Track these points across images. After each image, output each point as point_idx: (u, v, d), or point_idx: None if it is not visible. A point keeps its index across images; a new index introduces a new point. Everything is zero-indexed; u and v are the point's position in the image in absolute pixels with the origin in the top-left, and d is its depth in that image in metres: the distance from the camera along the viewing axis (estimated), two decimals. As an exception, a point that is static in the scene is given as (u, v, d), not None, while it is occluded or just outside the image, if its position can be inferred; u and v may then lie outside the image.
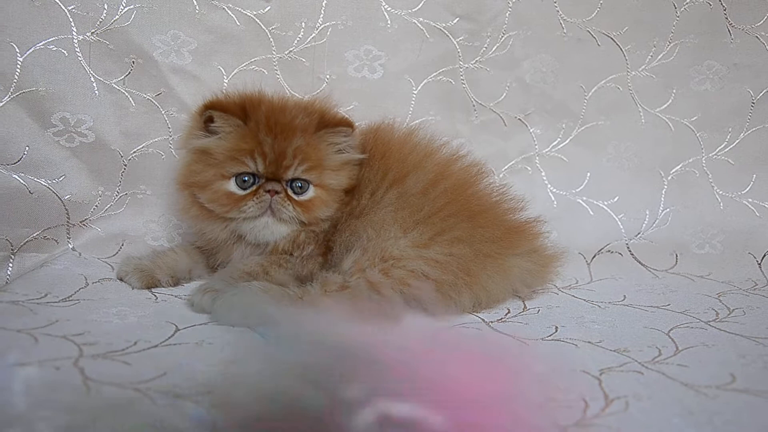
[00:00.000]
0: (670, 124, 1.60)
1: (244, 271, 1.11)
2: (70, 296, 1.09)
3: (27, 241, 1.33)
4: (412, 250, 1.08)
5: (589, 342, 0.99)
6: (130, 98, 1.39)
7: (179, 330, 0.95)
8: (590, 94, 1.58)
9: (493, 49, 1.54)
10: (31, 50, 1.31)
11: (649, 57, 1.57)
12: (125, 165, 1.40)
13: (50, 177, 1.35)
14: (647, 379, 0.85)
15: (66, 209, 1.36)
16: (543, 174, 1.60)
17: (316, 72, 1.48)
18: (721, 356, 0.95)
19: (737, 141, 1.60)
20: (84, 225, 1.39)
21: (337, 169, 1.17)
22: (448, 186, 1.15)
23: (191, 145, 1.15)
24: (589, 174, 1.60)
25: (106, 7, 1.34)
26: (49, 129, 1.34)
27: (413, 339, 0.69)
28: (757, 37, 1.56)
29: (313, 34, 1.46)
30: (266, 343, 0.84)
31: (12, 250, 1.32)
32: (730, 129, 1.60)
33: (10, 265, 1.31)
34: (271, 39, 1.44)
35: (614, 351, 0.95)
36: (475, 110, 1.56)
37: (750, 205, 1.59)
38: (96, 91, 1.36)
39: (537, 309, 1.18)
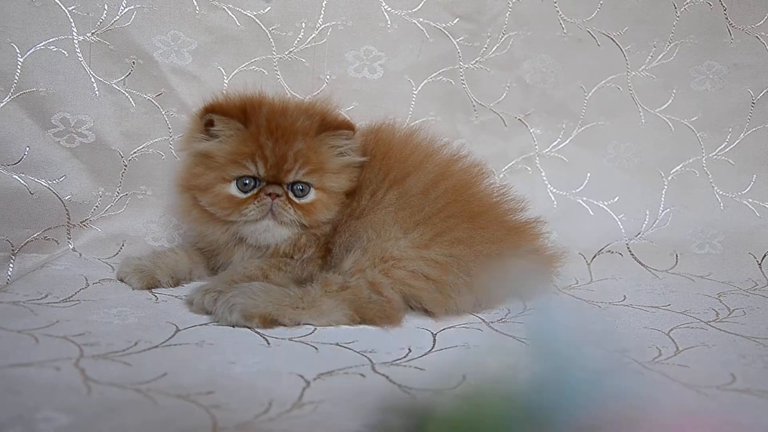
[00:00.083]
0: (671, 125, 1.60)
1: (243, 274, 1.11)
2: (71, 297, 1.09)
3: (27, 242, 1.33)
4: (413, 251, 1.08)
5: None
6: (131, 99, 1.39)
7: (180, 330, 0.95)
8: (590, 94, 1.58)
9: (493, 49, 1.54)
10: (31, 51, 1.31)
11: (649, 57, 1.57)
12: (125, 165, 1.40)
13: (51, 177, 1.35)
14: (647, 380, 0.84)
15: (66, 210, 1.36)
16: (543, 174, 1.60)
17: (316, 72, 1.48)
18: (722, 356, 0.95)
19: (737, 141, 1.60)
20: (84, 225, 1.39)
21: (338, 171, 1.17)
22: (448, 187, 1.15)
23: (192, 148, 1.15)
24: (589, 174, 1.60)
25: (106, 7, 1.34)
26: (50, 129, 1.34)
27: None
28: (757, 37, 1.56)
29: (313, 35, 1.46)
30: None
31: (12, 250, 1.32)
32: (730, 129, 1.60)
33: (11, 265, 1.31)
34: (271, 39, 1.44)
35: (614, 351, 0.95)
36: (475, 110, 1.56)
37: (750, 206, 1.59)
38: (96, 92, 1.36)
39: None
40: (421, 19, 1.50)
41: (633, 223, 1.59)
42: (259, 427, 0.67)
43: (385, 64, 1.50)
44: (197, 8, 1.39)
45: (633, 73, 1.58)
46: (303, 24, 1.45)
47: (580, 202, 1.60)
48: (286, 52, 1.46)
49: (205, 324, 0.99)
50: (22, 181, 1.32)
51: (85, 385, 0.74)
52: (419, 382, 0.80)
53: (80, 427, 0.65)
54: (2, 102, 1.31)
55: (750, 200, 1.59)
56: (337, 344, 0.93)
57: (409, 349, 0.93)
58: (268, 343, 0.93)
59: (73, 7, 1.33)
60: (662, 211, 1.60)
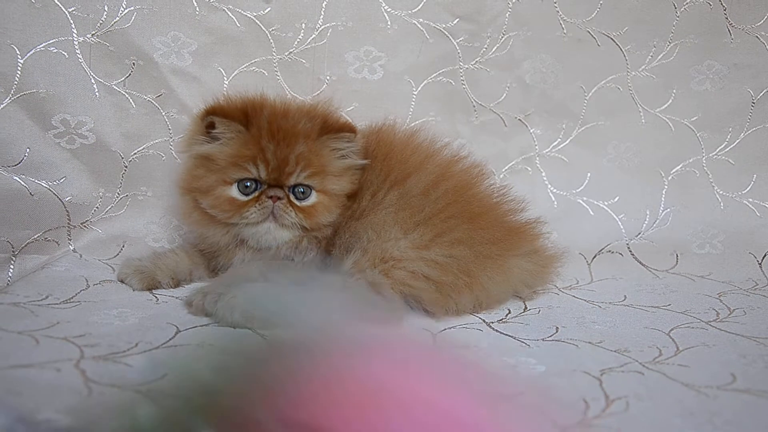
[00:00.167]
0: (671, 125, 1.60)
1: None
2: (71, 298, 1.09)
3: (28, 243, 1.33)
4: (413, 252, 1.08)
5: (589, 342, 0.99)
6: (131, 100, 1.39)
7: (180, 331, 0.95)
8: (590, 94, 1.58)
9: (493, 49, 1.54)
10: (31, 52, 1.32)
11: (649, 57, 1.57)
12: (126, 166, 1.41)
13: (51, 179, 1.35)
14: (648, 380, 0.85)
15: (67, 211, 1.36)
16: (543, 174, 1.60)
17: (316, 73, 1.48)
18: (722, 356, 0.95)
19: (737, 141, 1.60)
20: (85, 226, 1.39)
21: (340, 174, 1.16)
22: (449, 187, 1.15)
23: (193, 150, 1.15)
24: (589, 174, 1.60)
25: (106, 8, 1.34)
26: (50, 131, 1.34)
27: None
28: (757, 36, 1.56)
29: (313, 35, 1.46)
30: None
31: (13, 251, 1.32)
32: (730, 129, 1.60)
33: (11, 266, 1.31)
34: (271, 40, 1.45)
35: (615, 351, 0.95)
36: (475, 111, 1.56)
37: (750, 205, 1.59)
38: (96, 93, 1.36)
39: (537, 309, 1.18)
40: (421, 20, 1.50)
41: (633, 223, 1.59)
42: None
43: (385, 64, 1.50)
44: (197, 9, 1.40)
45: (633, 73, 1.58)
46: (303, 25, 1.45)
47: (581, 202, 1.60)
48: (286, 53, 1.46)
49: (206, 325, 0.99)
50: (23, 183, 1.33)
51: (86, 387, 0.74)
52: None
53: (81, 428, 0.65)
54: (2, 103, 1.31)
55: (750, 200, 1.59)
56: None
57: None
58: (269, 344, 0.93)
59: (73, 9, 1.33)
60: (662, 211, 1.60)
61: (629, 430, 0.71)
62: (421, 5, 1.49)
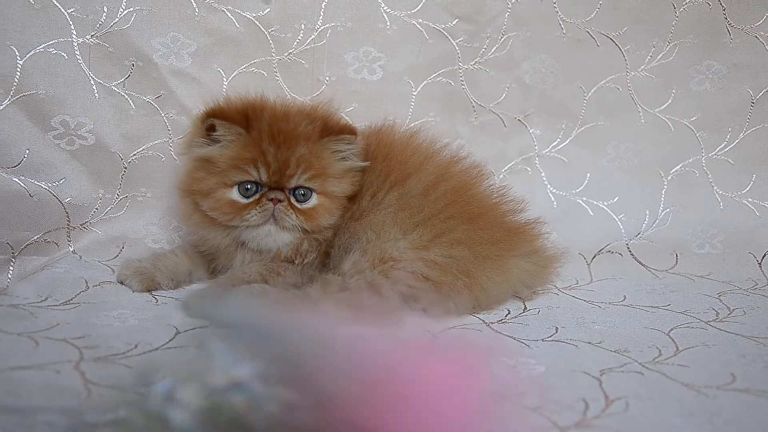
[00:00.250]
0: (670, 124, 1.60)
1: (242, 279, 1.11)
2: (71, 299, 1.09)
3: (27, 245, 1.33)
4: (412, 252, 1.08)
5: (589, 342, 0.99)
6: (130, 101, 1.39)
7: (180, 333, 0.95)
8: (590, 94, 1.58)
9: (493, 50, 1.54)
10: (30, 53, 1.32)
11: (649, 57, 1.57)
12: (125, 168, 1.41)
13: (50, 180, 1.35)
14: (647, 380, 0.85)
15: (66, 212, 1.36)
16: (543, 175, 1.60)
17: (315, 74, 1.48)
18: (722, 356, 0.95)
19: (737, 141, 1.59)
20: (84, 228, 1.39)
21: (340, 176, 1.16)
22: (448, 188, 1.15)
23: (193, 153, 1.14)
24: (588, 174, 1.60)
25: (105, 9, 1.34)
26: (49, 132, 1.34)
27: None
28: (756, 36, 1.56)
29: (313, 36, 1.46)
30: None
31: (12, 253, 1.32)
32: (729, 129, 1.59)
33: (11, 268, 1.31)
34: (271, 41, 1.45)
35: (614, 351, 0.95)
36: (474, 111, 1.56)
37: (750, 205, 1.59)
38: (96, 94, 1.36)
39: (537, 310, 1.18)
40: (420, 20, 1.50)
41: (633, 223, 1.59)
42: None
43: (385, 65, 1.50)
44: (196, 10, 1.40)
45: (632, 73, 1.58)
46: (302, 25, 1.45)
47: (580, 202, 1.60)
48: (286, 54, 1.46)
49: (206, 326, 0.99)
50: (22, 184, 1.33)
51: (86, 388, 0.74)
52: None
53: (80, 430, 0.65)
54: (2, 105, 1.31)
55: (750, 200, 1.59)
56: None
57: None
58: (268, 345, 0.92)
59: (72, 10, 1.33)
60: (662, 210, 1.60)
61: (629, 430, 0.71)
62: (420, 6, 1.49)
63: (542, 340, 1.01)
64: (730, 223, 1.58)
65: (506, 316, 1.14)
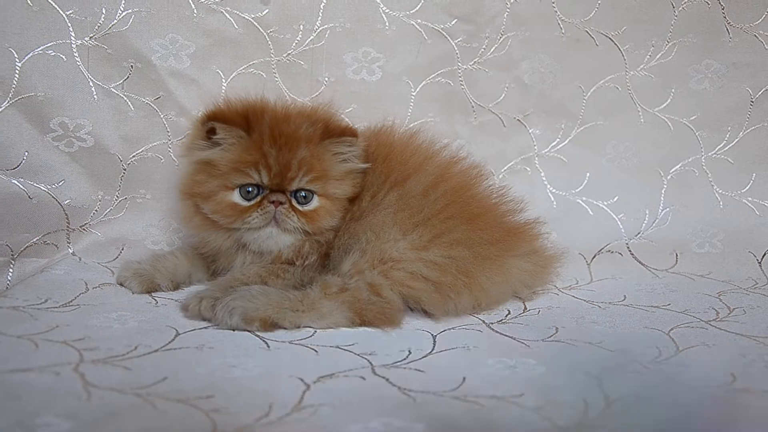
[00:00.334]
0: (670, 124, 1.59)
1: (241, 280, 1.11)
2: (71, 301, 1.09)
3: (27, 247, 1.33)
4: (411, 252, 1.08)
5: (589, 342, 0.99)
6: (129, 102, 1.39)
7: (180, 334, 0.95)
8: (589, 94, 1.58)
9: (492, 50, 1.54)
10: (29, 55, 1.32)
11: (648, 56, 1.57)
12: (125, 169, 1.41)
13: (50, 182, 1.35)
14: (647, 380, 0.84)
15: (66, 214, 1.36)
16: (542, 174, 1.60)
17: (314, 74, 1.48)
18: (722, 356, 0.95)
19: (736, 140, 1.59)
20: (84, 230, 1.39)
21: (341, 178, 1.16)
22: (448, 188, 1.15)
23: (194, 156, 1.14)
24: (588, 174, 1.60)
25: (104, 11, 1.34)
26: (48, 134, 1.34)
27: None
28: (755, 35, 1.56)
29: (311, 37, 1.46)
30: None
31: (12, 255, 1.32)
32: (729, 128, 1.59)
33: (11, 270, 1.31)
34: (269, 42, 1.44)
35: (615, 351, 0.95)
36: (474, 111, 1.56)
37: (750, 204, 1.59)
38: (95, 96, 1.36)
39: (537, 310, 1.18)
40: (419, 21, 1.50)
41: (632, 222, 1.59)
42: (259, 431, 0.67)
43: (384, 65, 1.50)
44: (195, 11, 1.40)
45: (631, 72, 1.58)
46: (301, 26, 1.45)
47: (580, 202, 1.60)
48: (285, 55, 1.46)
49: (205, 328, 0.99)
50: (21, 186, 1.33)
51: (85, 390, 0.74)
52: (420, 385, 0.80)
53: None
54: (1, 107, 1.31)
55: (749, 199, 1.59)
56: (337, 347, 0.93)
57: (409, 351, 0.93)
58: (268, 347, 0.93)
59: (70, 12, 1.33)
60: (662, 210, 1.60)
61: (629, 430, 0.71)
62: (419, 6, 1.49)
63: (542, 340, 1.01)
64: (730, 223, 1.58)
65: (506, 316, 1.14)
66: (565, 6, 1.53)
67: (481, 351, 0.95)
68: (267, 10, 1.43)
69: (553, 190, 1.60)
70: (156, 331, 0.95)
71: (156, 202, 1.43)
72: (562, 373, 0.88)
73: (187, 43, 1.40)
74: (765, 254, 1.55)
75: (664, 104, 1.59)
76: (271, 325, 0.99)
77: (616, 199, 1.59)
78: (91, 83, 1.36)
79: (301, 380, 0.79)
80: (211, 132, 1.12)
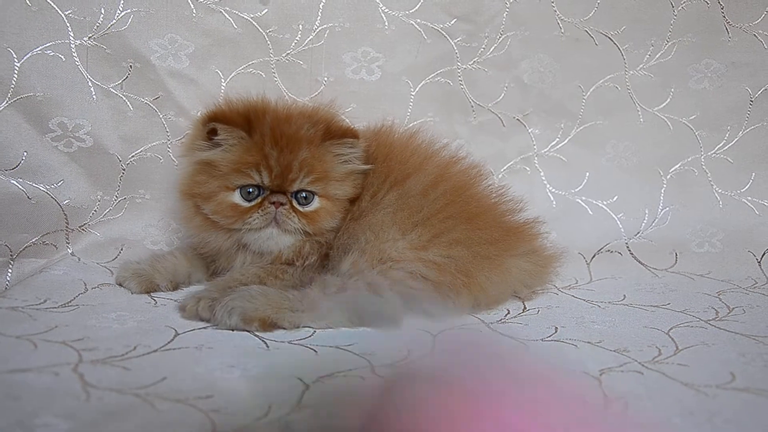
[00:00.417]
0: (669, 123, 1.59)
1: (239, 281, 1.11)
2: (70, 302, 1.09)
3: (26, 247, 1.33)
4: (411, 252, 1.08)
5: (588, 342, 0.99)
6: (128, 102, 1.39)
7: (179, 334, 0.95)
8: (588, 93, 1.58)
9: (491, 49, 1.54)
10: (28, 55, 1.31)
11: (647, 56, 1.57)
12: (124, 169, 1.40)
13: (49, 182, 1.35)
14: (647, 379, 0.84)
15: (65, 214, 1.36)
16: (542, 174, 1.60)
17: (313, 74, 1.48)
18: (721, 355, 0.94)
19: (736, 139, 1.59)
20: (83, 230, 1.39)
21: (342, 179, 1.16)
22: (447, 188, 1.15)
23: (194, 156, 1.14)
24: (588, 174, 1.60)
25: (103, 11, 1.34)
26: (47, 134, 1.34)
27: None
28: (754, 35, 1.56)
29: (311, 37, 1.46)
30: None
31: (11, 255, 1.32)
32: (728, 127, 1.59)
33: (9, 270, 1.31)
34: (269, 42, 1.44)
35: (614, 351, 0.95)
36: (473, 111, 1.56)
37: (749, 204, 1.59)
38: (94, 96, 1.36)
39: (537, 309, 1.18)
40: (418, 20, 1.50)
41: (632, 222, 1.59)
42: (258, 431, 0.67)
43: (383, 65, 1.50)
44: (194, 11, 1.39)
45: (631, 72, 1.58)
46: (300, 26, 1.45)
47: (579, 201, 1.60)
48: (284, 55, 1.46)
49: (204, 328, 0.99)
50: (20, 186, 1.32)
51: (84, 391, 0.73)
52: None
53: (79, 432, 0.65)
54: None
55: (749, 198, 1.59)
56: (336, 347, 0.93)
57: (409, 350, 0.93)
58: (267, 347, 0.93)
59: (69, 12, 1.33)
60: (661, 209, 1.60)
61: (629, 430, 0.71)
62: (418, 6, 1.49)
63: (542, 340, 1.01)
64: (730, 222, 1.58)
65: (506, 316, 1.14)
66: (564, 5, 1.53)
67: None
68: (266, 10, 1.43)
69: (553, 190, 1.60)
70: (155, 332, 0.95)
71: (155, 202, 1.43)
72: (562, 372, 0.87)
73: (186, 43, 1.40)
74: (764, 253, 1.55)
75: (664, 104, 1.59)
76: (270, 325, 0.99)
77: (615, 198, 1.59)
78: (90, 83, 1.36)
79: (301, 380, 0.79)
80: (212, 133, 1.12)
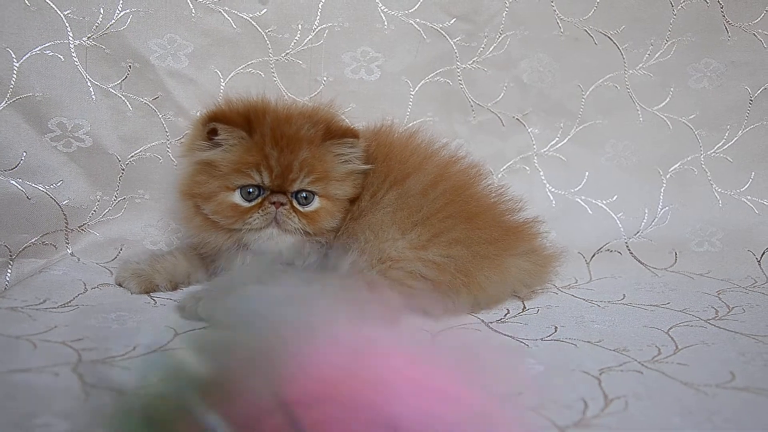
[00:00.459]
0: (669, 123, 1.59)
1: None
2: (69, 302, 1.09)
3: (25, 247, 1.33)
4: (410, 252, 1.08)
5: (588, 341, 0.99)
6: (127, 102, 1.39)
7: (178, 334, 0.95)
8: (588, 93, 1.58)
9: (491, 49, 1.54)
10: (27, 55, 1.31)
11: (647, 55, 1.57)
12: (123, 169, 1.40)
13: (48, 182, 1.35)
14: (647, 379, 0.84)
15: (64, 214, 1.36)
16: (541, 174, 1.60)
17: (313, 74, 1.48)
18: (721, 354, 0.94)
19: (735, 138, 1.59)
20: (82, 230, 1.38)
21: (343, 179, 1.16)
22: (446, 187, 1.15)
23: (194, 156, 1.14)
24: (587, 173, 1.60)
25: (102, 11, 1.34)
26: (47, 134, 1.34)
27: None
28: (754, 34, 1.56)
29: (310, 36, 1.46)
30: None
31: (10, 256, 1.32)
32: (728, 127, 1.59)
33: (9, 271, 1.31)
34: (268, 41, 1.44)
35: (614, 350, 0.95)
36: (472, 111, 1.56)
37: (749, 203, 1.59)
38: (93, 96, 1.36)
39: (536, 309, 1.18)
40: (417, 20, 1.50)
41: (632, 221, 1.58)
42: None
43: (382, 65, 1.50)
44: (193, 11, 1.39)
45: (630, 71, 1.58)
46: (299, 26, 1.45)
47: (579, 201, 1.59)
48: (283, 54, 1.46)
49: (204, 327, 0.99)
50: (20, 187, 1.32)
51: (84, 391, 0.73)
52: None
53: (78, 432, 0.65)
54: (-1, 107, 1.31)
55: (749, 197, 1.59)
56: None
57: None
58: (267, 346, 0.92)
59: (68, 12, 1.33)
60: (661, 209, 1.60)
61: (628, 429, 0.71)
62: (417, 5, 1.49)
63: (541, 339, 1.00)
64: (729, 221, 1.58)
65: (505, 315, 1.14)
66: (563, 5, 1.53)
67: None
68: (265, 10, 1.43)
69: (552, 189, 1.60)
70: (155, 332, 0.95)
71: (154, 202, 1.43)
72: (562, 372, 0.87)
73: (186, 42, 1.40)
74: (764, 253, 1.54)
75: (663, 103, 1.59)
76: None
77: (615, 198, 1.59)
78: (89, 83, 1.36)
79: (300, 380, 0.79)
80: (213, 133, 1.12)
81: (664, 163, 1.61)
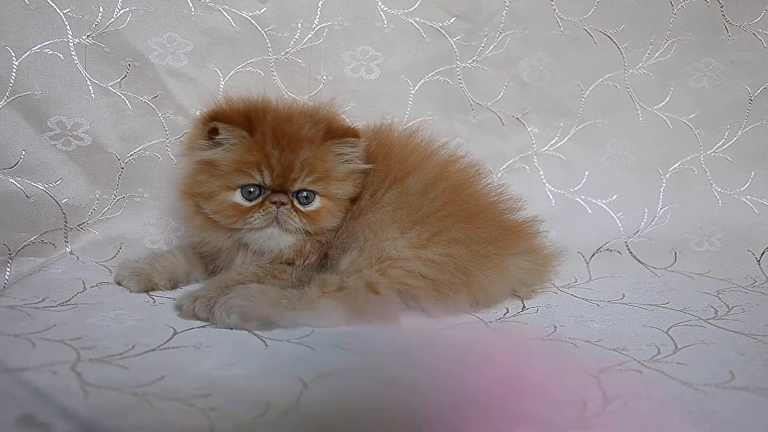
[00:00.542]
0: (668, 122, 1.59)
1: (237, 280, 1.10)
2: (68, 300, 1.09)
3: (24, 246, 1.33)
4: (410, 251, 1.07)
5: (588, 341, 0.98)
6: (127, 101, 1.39)
7: (177, 333, 0.95)
8: (588, 92, 1.58)
9: (490, 48, 1.54)
10: (26, 54, 1.31)
11: (647, 55, 1.57)
12: (122, 168, 1.40)
13: (47, 181, 1.34)
14: (646, 378, 0.84)
15: (63, 213, 1.36)
16: (541, 173, 1.60)
17: (312, 73, 1.48)
18: (721, 354, 0.94)
19: (735, 138, 1.59)
20: (81, 229, 1.38)
21: (343, 178, 1.16)
22: (446, 186, 1.15)
23: (195, 156, 1.13)
24: (587, 172, 1.60)
25: (101, 10, 1.34)
26: (46, 133, 1.34)
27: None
28: (754, 34, 1.56)
29: (310, 35, 1.46)
30: None
31: (9, 254, 1.32)
32: (728, 126, 1.59)
33: (8, 269, 1.31)
34: (267, 40, 1.44)
35: (613, 350, 0.95)
36: (472, 110, 1.56)
37: (748, 202, 1.59)
38: (92, 95, 1.36)
39: (536, 308, 1.18)
40: (417, 19, 1.49)
41: (631, 221, 1.58)
42: (256, 430, 0.67)
43: (382, 64, 1.50)
44: (193, 10, 1.39)
45: (630, 70, 1.58)
46: (299, 24, 1.45)
47: (579, 200, 1.59)
48: (283, 53, 1.46)
49: (203, 326, 0.99)
50: (19, 185, 1.32)
51: (82, 389, 0.73)
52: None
53: (77, 431, 0.64)
54: (-2, 105, 1.31)
55: (748, 197, 1.59)
56: (335, 345, 0.93)
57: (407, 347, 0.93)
58: (266, 345, 0.92)
59: (68, 10, 1.32)
60: (661, 208, 1.60)
61: (628, 429, 0.71)
62: (417, 4, 1.49)
63: (541, 339, 1.00)
64: (729, 221, 1.58)
65: (505, 314, 1.14)
66: (563, 4, 1.53)
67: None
68: (265, 8, 1.43)
69: (552, 189, 1.60)
70: (154, 330, 0.95)
71: (154, 201, 1.43)
72: (561, 372, 0.87)
73: (185, 41, 1.40)
74: (764, 252, 1.54)
75: (663, 102, 1.59)
76: (269, 324, 0.98)
77: (614, 197, 1.59)
78: (88, 82, 1.35)
79: (299, 379, 0.79)
80: (213, 132, 1.11)
81: (664, 163, 1.61)
